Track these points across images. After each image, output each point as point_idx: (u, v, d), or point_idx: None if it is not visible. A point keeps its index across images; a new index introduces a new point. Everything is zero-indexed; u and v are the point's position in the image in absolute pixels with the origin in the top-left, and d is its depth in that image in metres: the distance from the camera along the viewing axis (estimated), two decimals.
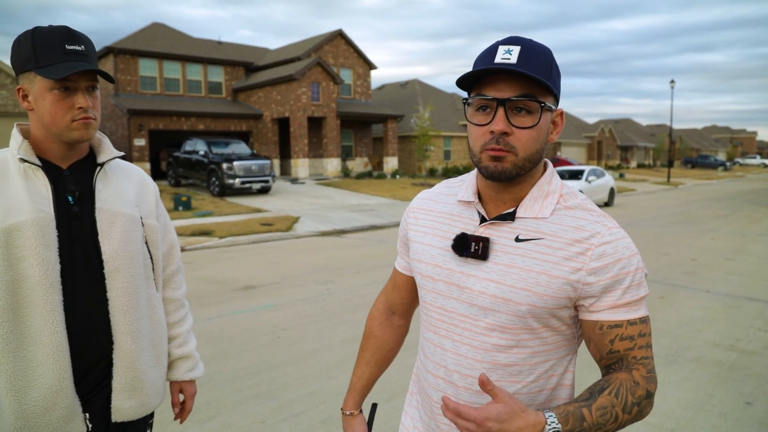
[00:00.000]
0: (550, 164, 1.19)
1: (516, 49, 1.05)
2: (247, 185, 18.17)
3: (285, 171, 26.41)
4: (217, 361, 4.48)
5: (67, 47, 1.34)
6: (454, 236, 1.16)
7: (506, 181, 1.09)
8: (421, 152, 25.68)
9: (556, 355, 1.14)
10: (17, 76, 1.38)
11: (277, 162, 25.71)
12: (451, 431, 1.18)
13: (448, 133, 32.98)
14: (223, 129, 24.90)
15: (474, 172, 1.22)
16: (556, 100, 1.10)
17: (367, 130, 29.71)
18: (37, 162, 1.37)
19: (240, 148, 19.61)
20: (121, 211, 1.48)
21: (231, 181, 17.82)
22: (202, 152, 19.04)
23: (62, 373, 1.35)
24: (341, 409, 1.46)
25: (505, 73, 1.04)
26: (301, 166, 24.30)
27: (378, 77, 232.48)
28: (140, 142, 21.98)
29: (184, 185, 20.95)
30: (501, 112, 1.05)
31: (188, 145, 20.00)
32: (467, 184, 1.22)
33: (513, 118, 1.06)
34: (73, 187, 1.42)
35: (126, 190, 1.53)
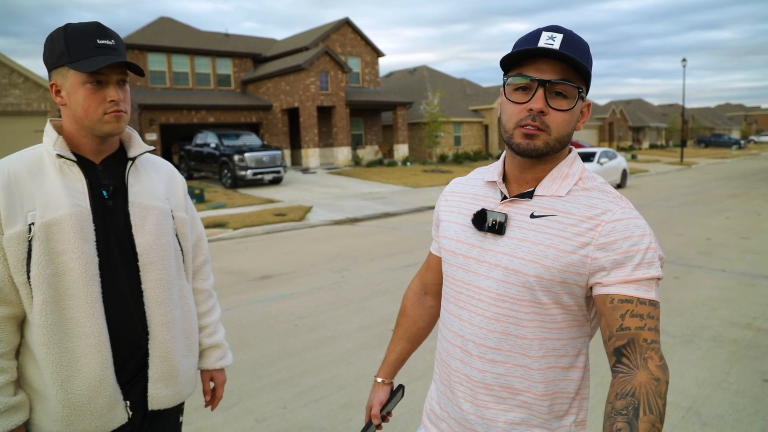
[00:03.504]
0: (574, 150, 1.25)
1: (559, 37, 1.10)
2: (259, 176, 18.26)
3: (296, 161, 26.47)
4: (238, 349, 4.56)
5: (99, 42, 1.36)
6: None
7: (535, 157, 1.15)
8: (432, 139, 25.60)
9: (567, 334, 1.18)
10: (50, 73, 1.40)
11: (287, 152, 25.76)
12: (466, 397, 1.24)
13: (458, 119, 32.80)
14: (233, 121, 24.97)
15: (503, 156, 1.29)
16: (587, 92, 1.16)
17: (376, 117, 29.64)
18: (73, 157, 1.39)
19: (251, 139, 19.68)
20: (153, 204, 1.51)
21: (243, 172, 17.92)
22: (213, 145, 19.14)
23: (104, 363, 1.39)
24: (375, 376, 1.57)
25: (548, 56, 1.10)
26: (311, 155, 24.35)
27: (385, 65, 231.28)
28: (152, 136, 22.12)
29: (196, 178, 21.10)
30: (541, 92, 1.10)
31: (199, 138, 20.11)
32: (494, 166, 1.30)
33: (551, 100, 1.11)
34: (106, 182, 1.45)
35: (156, 184, 1.56)
